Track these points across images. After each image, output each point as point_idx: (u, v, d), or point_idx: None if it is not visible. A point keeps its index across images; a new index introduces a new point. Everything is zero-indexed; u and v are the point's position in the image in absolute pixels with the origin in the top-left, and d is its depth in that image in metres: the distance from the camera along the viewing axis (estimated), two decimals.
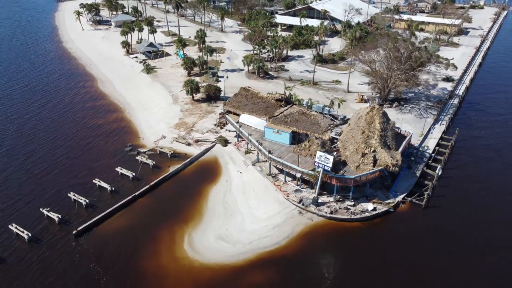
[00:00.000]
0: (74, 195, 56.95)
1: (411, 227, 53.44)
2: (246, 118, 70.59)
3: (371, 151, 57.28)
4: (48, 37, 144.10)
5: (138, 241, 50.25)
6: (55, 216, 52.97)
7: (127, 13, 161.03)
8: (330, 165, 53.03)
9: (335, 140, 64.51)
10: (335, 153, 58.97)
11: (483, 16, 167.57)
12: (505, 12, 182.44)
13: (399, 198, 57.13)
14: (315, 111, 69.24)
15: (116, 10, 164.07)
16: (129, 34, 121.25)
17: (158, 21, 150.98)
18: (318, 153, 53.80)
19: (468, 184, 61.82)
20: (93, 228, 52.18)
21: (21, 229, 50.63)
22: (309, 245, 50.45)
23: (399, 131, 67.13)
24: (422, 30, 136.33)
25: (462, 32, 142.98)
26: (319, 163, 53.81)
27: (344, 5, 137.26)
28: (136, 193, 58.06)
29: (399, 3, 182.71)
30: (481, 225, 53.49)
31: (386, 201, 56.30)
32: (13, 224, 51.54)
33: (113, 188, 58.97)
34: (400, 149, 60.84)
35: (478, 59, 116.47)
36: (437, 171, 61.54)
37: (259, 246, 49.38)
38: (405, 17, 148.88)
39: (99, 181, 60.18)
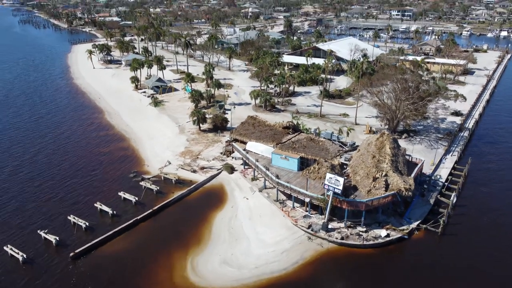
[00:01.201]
0: (74, 218, 54.92)
1: (427, 255, 50.26)
2: (253, 146, 69.43)
3: (383, 175, 55.31)
4: (61, 74, 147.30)
5: (139, 265, 47.57)
6: (52, 238, 50.72)
7: (137, 53, 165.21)
8: (341, 187, 50.99)
9: (345, 166, 62.68)
10: (346, 177, 56.95)
11: (487, 59, 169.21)
12: (509, 55, 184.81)
13: (414, 225, 54.32)
14: (324, 137, 68.01)
15: (127, 50, 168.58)
16: (138, 70, 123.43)
17: (167, 61, 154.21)
18: (328, 175, 51.96)
19: (484, 212, 58.83)
20: (91, 251, 49.69)
21: (16, 250, 48.33)
22: (319, 271, 47.35)
23: (410, 159, 65.39)
24: (427, 70, 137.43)
25: (468, 72, 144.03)
26: (328, 185, 51.80)
27: (350, 45, 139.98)
28: (138, 217, 55.91)
29: (403, 46, 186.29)
30: (499, 254, 50.05)
31: (400, 228, 53.49)
32: (8, 245, 49.29)
33: (114, 212, 56.96)
34: (413, 174, 58.84)
35: (486, 96, 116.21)
36: (451, 199, 59.02)
37: (266, 271, 46.41)
38: (410, 58, 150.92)
39: (100, 205, 58.27)
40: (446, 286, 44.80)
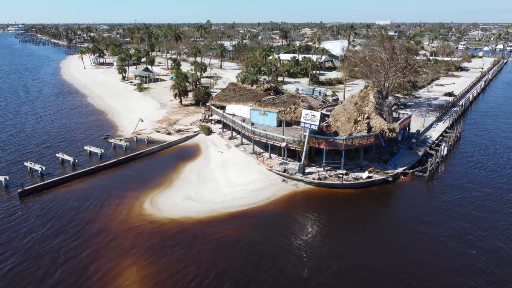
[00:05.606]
0: (30, 164, 50.70)
1: (412, 196, 45.55)
2: (232, 108, 65.67)
3: (365, 117, 51.29)
4: (50, 73, 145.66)
5: (94, 203, 42.85)
6: (2, 178, 46.44)
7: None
8: (317, 123, 46.92)
9: (326, 118, 58.58)
10: (326, 124, 53.02)
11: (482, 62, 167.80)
12: (504, 60, 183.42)
13: (399, 170, 49.78)
14: (305, 94, 64.38)
15: (120, 53, 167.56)
16: (126, 62, 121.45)
17: (159, 63, 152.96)
18: (304, 112, 47.98)
19: (474, 164, 54.23)
20: (43, 190, 45.27)
21: None
22: (291, 206, 42.74)
23: (397, 115, 61.40)
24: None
25: (462, 69, 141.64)
26: (305, 123, 47.74)
27: (342, 43, 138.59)
28: (101, 164, 51.68)
29: None
30: (488, 201, 45.28)
31: (384, 171, 48.94)
32: None
33: (76, 161, 52.68)
34: (399, 122, 54.77)
35: (481, 84, 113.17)
36: (442, 147, 54.72)
37: (232, 205, 41.73)
38: None
39: (62, 155, 54.09)
40: (431, 224, 39.77)
